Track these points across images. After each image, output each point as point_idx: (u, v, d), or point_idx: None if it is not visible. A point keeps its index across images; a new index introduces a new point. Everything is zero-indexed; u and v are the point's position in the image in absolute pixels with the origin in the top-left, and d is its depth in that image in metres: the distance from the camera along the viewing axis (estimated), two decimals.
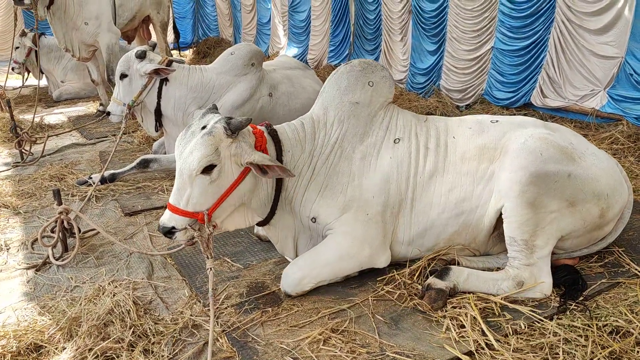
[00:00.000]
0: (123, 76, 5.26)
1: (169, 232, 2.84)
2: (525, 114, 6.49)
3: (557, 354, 2.60)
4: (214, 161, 2.81)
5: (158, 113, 5.42)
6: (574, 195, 3.08)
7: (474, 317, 2.86)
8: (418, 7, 7.76)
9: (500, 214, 3.16)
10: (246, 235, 3.99)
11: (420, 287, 3.17)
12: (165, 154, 5.83)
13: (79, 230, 3.76)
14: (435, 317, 2.94)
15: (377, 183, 3.24)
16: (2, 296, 3.34)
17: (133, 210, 4.56)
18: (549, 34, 6.07)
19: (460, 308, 2.97)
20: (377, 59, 8.98)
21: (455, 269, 3.13)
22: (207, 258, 2.87)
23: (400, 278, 3.28)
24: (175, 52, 11.46)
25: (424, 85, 7.92)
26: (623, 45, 5.36)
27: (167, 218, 2.83)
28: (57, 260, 3.69)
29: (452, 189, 3.24)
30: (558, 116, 6.13)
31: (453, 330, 2.80)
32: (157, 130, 5.54)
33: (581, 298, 3.06)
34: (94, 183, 5.02)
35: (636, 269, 3.31)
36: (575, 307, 2.98)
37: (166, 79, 5.26)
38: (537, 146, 3.09)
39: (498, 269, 3.33)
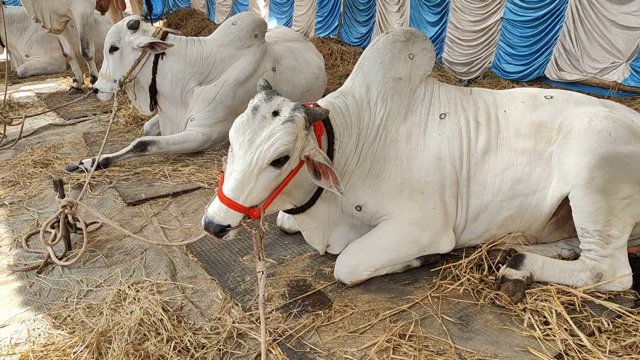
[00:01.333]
0: (113, 49, 4.72)
1: (223, 230, 2.42)
2: (540, 87, 6.25)
3: None
4: (289, 152, 2.42)
5: (153, 90, 4.92)
6: (617, 177, 2.79)
7: (559, 313, 2.59)
8: None
9: (563, 201, 2.89)
10: (272, 229, 3.60)
11: (476, 279, 2.89)
12: (159, 134, 5.34)
13: (86, 225, 3.30)
14: (511, 313, 2.67)
15: (428, 162, 2.92)
16: (3, 305, 2.88)
17: (137, 200, 4.10)
18: (566, 3, 5.79)
19: (541, 301, 2.70)
20: (370, 30, 8.58)
21: (530, 256, 2.84)
22: (259, 260, 2.49)
23: (457, 271, 2.99)
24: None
25: None
26: None
27: (224, 214, 2.38)
28: (60, 260, 3.23)
29: (506, 168, 2.94)
30: (575, 89, 5.88)
31: (537, 328, 2.53)
32: (152, 109, 5.04)
33: None
34: (86, 169, 4.51)
35: None
36: None
37: (162, 53, 4.75)
38: (604, 126, 2.80)
39: (561, 257, 3.09)
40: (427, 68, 3.13)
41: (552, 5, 5.92)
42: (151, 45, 4.63)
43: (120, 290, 2.88)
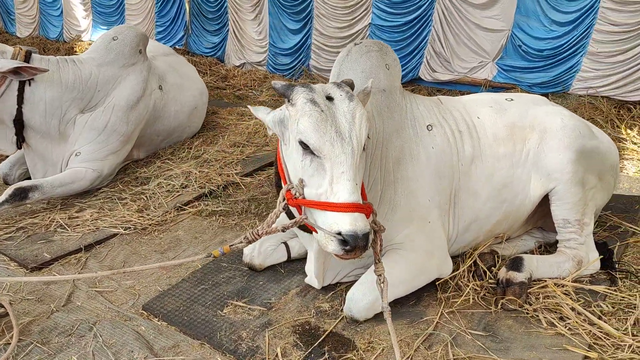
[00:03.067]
0: None
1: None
2: (412, 90, 6.58)
3: None
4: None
5: (19, 124, 3.99)
6: (601, 169, 3.12)
7: (572, 308, 2.69)
8: None
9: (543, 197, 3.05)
10: (233, 269, 3.17)
11: (478, 286, 2.89)
12: (24, 177, 4.37)
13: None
14: (525, 315, 2.70)
15: (429, 183, 2.83)
16: None
17: (41, 262, 3.27)
18: (433, 8, 6.17)
19: (544, 298, 2.78)
20: (224, 39, 8.21)
21: (526, 258, 2.91)
22: (377, 262, 2.28)
23: (457, 281, 2.94)
24: None
25: (290, 66, 7.47)
26: (509, 18, 5.73)
27: (362, 222, 2.07)
28: None
29: (492, 174, 3.00)
30: (446, 89, 6.34)
31: (558, 325, 2.59)
32: (19, 147, 4.10)
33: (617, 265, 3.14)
34: None
35: (634, 228, 3.52)
36: (621, 276, 3.04)
37: (30, 79, 3.88)
38: (574, 123, 3.04)
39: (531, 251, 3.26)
40: (398, 80, 3.04)
41: (420, 11, 6.29)
42: (15, 71, 3.74)
43: None
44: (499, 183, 3.01)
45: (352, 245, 2.05)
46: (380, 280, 2.25)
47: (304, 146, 2.19)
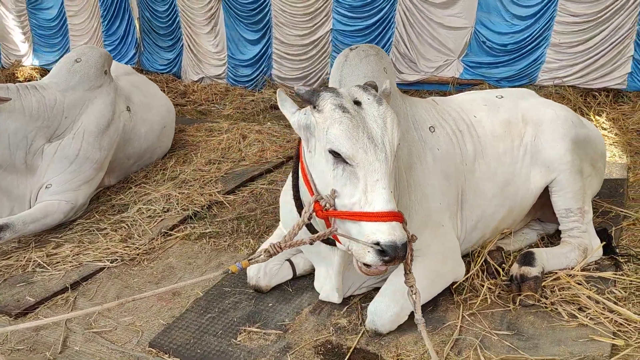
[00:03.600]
0: None
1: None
2: None
3: None
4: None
5: None
6: (593, 156, 3.17)
7: (589, 297, 2.69)
8: None
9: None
10: (237, 293, 3.01)
11: (491, 283, 2.86)
12: None
13: None
14: (544, 309, 2.68)
15: (439, 185, 2.78)
16: None
17: (26, 307, 3.02)
18: (395, 10, 6.18)
19: (560, 290, 2.78)
20: (179, 55, 7.97)
21: (537, 252, 2.90)
22: (408, 272, 2.19)
23: (466, 283, 2.90)
24: None
25: (251, 77, 7.32)
26: (471, 15, 5.80)
27: (400, 231, 1.99)
28: None
29: (495, 171, 2.99)
30: (413, 90, 6.35)
31: (580, 317, 2.58)
32: None
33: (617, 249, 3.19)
34: None
35: (625, 212, 3.60)
36: (624, 259, 3.08)
37: None
38: (565, 114, 3.08)
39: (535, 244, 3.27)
40: (395, 83, 2.98)
41: (381, 14, 6.29)
42: None
43: None
44: (502, 179, 2.99)
45: (392, 255, 1.96)
46: (412, 291, 2.16)
47: (335, 154, 2.08)
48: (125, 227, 3.84)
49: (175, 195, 4.19)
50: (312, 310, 2.83)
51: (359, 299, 2.86)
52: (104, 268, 3.38)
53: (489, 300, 2.79)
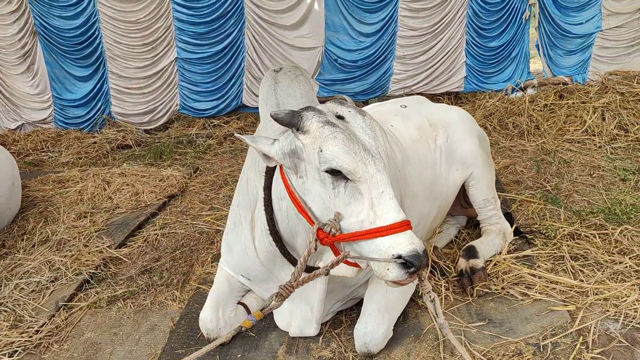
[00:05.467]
0: None
1: None
2: (238, 117, 6.44)
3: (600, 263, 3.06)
4: None
5: None
6: (488, 149, 3.55)
7: (533, 275, 2.97)
8: (46, 27, 6.23)
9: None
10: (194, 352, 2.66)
11: (443, 282, 3.00)
12: None
13: None
14: (498, 294, 2.89)
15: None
16: None
17: None
18: (243, 35, 6.09)
19: (503, 274, 3.02)
20: None
21: (475, 245, 3.12)
22: (422, 280, 2.14)
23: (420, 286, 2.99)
24: None
25: (85, 118, 6.55)
26: (320, 35, 5.99)
27: (417, 240, 1.91)
28: None
29: (421, 173, 3.14)
30: None
31: (531, 294, 2.84)
32: None
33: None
34: None
35: (509, 196, 4.07)
36: (531, 237, 3.49)
37: None
38: (466, 114, 3.41)
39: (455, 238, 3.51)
40: None
41: (229, 39, 6.14)
42: None
43: None
44: (428, 181, 3.15)
45: (417, 265, 1.88)
46: (430, 297, 2.14)
47: (333, 173, 1.96)
48: (7, 311, 3.12)
49: (59, 260, 3.54)
50: (287, 350, 2.62)
51: (328, 326, 2.74)
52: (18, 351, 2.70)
53: (451, 298, 2.90)
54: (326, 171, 1.97)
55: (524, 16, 6.22)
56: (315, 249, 2.04)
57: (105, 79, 6.42)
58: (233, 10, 6.07)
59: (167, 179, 4.94)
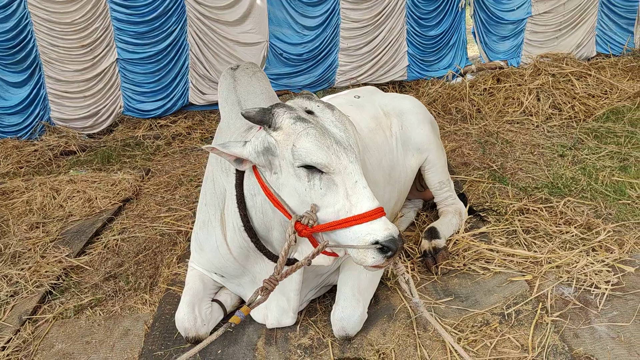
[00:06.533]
0: None
1: None
2: (185, 117, 6.36)
3: (549, 234, 3.28)
4: None
5: None
6: (437, 134, 3.68)
7: (491, 250, 3.16)
8: None
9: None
10: (173, 353, 2.66)
11: (409, 263, 3.14)
12: None
13: None
14: (460, 271, 3.05)
15: None
16: None
17: None
18: (186, 33, 5.99)
19: (464, 251, 3.19)
20: None
21: (436, 225, 3.26)
22: (396, 263, 2.21)
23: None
24: None
25: (23, 125, 6.25)
26: (264, 30, 5.98)
27: (392, 224, 2.01)
28: None
29: (380, 160, 3.25)
30: (215, 109, 6.27)
31: (491, 268, 3.02)
32: None
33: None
34: None
35: (459, 177, 4.26)
36: (484, 214, 3.69)
37: None
38: (418, 102, 3.54)
39: (414, 220, 3.66)
40: None
41: (171, 38, 6.02)
42: None
43: None
44: (387, 167, 3.26)
45: (394, 248, 1.97)
46: (404, 278, 2.24)
47: (308, 167, 2.02)
48: None
49: (17, 274, 3.42)
50: (266, 341, 2.67)
51: (304, 315, 2.81)
52: None
53: (418, 278, 3.04)
54: (302, 166, 2.03)
55: (459, 5, 6.48)
56: (295, 241, 2.10)
57: (42, 83, 6.15)
58: (174, 8, 5.96)
59: (119, 183, 4.83)
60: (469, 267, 3.08)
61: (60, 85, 6.17)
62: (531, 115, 5.61)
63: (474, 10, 6.70)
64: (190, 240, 3.74)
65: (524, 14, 6.57)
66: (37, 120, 6.27)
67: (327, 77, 6.40)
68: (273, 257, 2.42)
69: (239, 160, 2.16)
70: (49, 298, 3.27)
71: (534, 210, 3.63)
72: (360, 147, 2.17)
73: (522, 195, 3.89)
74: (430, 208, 3.81)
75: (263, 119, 2.07)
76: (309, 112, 2.13)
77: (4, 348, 2.83)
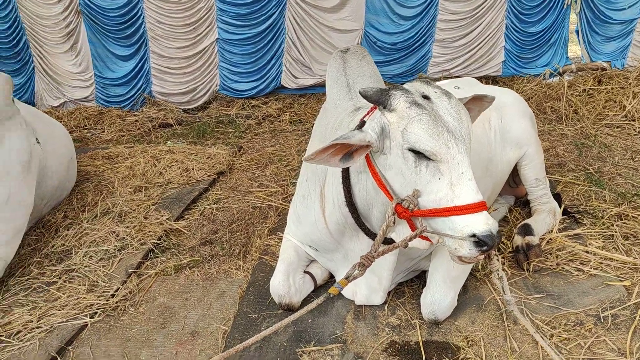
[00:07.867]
0: None
1: None
2: (276, 98, 6.56)
3: None
4: None
5: None
6: (536, 130, 3.61)
7: (587, 252, 3.08)
8: (90, 6, 6.36)
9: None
10: (267, 317, 2.81)
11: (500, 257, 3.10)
12: None
13: None
14: (553, 270, 3.00)
15: None
16: None
17: None
18: (284, 17, 6.18)
19: (557, 251, 3.13)
20: (30, 80, 6.96)
21: (531, 222, 3.22)
22: (491, 258, 2.24)
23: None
24: None
25: (126, 96, 6.70)
26: (360, 18, 6.06)
27: (494, 220, 2.00)
28: None
29: (479, 152, 3.21)
30: (309, 93, 6.44)
31: (586, 270, 2.94)
32: None
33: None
34: None
35: (553, 177, 4.16)
36: (579, 216, 3.58)
37: None
38: (518, 96, 3.49)
39: (506, 216, 3.62)
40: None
41: (270, 21, 6.23)
42: None
43: None
44: (485, 159, 3.24)
45: (490, 244, 1.97)
46: (498, 275, 2.25)
47: (416, 152, 2.07)
48: (80, 276, 3.29)
49: (124, 230, 3.71)
50: (355, 316, 2.77)
51: (392, 296, 2.87)
52: (86, 326, 2.87)
53: (508, 272, 3.02)
54: (410, 150, 2.07)
55: (565, 1, 6.24)
56: (394, 223, 2.15)
57: (147, 58, 6.55)
58: None
59: (214, 157, 5.09)
60: (562, 267, 3.02)
61: (163, 61, 6.54)
62: (633, 120, 5.34)
63: (580, 8, 6.41)
64: (280, 215, 3.93)
65: (636, 13, 6.21)
66: (139, 92, 6.69)
67: (420, 67, 6.37)
68: (370, 234, 2.49)
69: (347, 156, 2.17)
70: (151, 256, 3.52)
71: (633, 217, 3.49)
72: (471, 138, 2.17)
73: (621, 200, 3.74)
74: (523, 205, 3.75)
75: (380, 99, 2.12)
76: (426, 97, 2.15)
77: (113, 295, 3.09)
